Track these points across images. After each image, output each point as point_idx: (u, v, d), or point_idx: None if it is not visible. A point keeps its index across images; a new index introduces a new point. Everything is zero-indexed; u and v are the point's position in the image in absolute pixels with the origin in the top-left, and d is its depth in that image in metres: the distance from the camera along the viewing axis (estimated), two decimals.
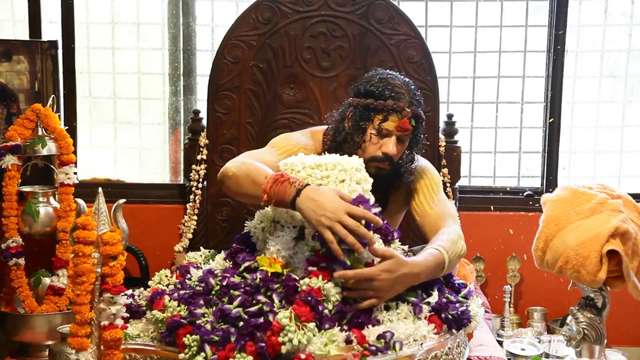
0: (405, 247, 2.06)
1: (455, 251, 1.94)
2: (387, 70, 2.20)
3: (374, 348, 1.59)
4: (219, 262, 1.93)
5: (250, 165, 1.93)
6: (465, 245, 2.02)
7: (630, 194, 2.16)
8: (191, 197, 2.89)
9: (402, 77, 2.18)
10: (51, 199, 2.61)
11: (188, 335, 1.60)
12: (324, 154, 2.00)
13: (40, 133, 2.55)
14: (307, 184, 1.77)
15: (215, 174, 2.80)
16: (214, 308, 1.68)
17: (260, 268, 1.76)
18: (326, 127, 2.30)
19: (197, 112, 2.94)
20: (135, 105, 3.25)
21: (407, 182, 2.23)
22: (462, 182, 2.99)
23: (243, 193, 1.94)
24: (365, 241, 1.70)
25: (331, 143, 2.20)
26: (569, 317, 2.12)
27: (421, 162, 2.30)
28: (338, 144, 2.16)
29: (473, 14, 3.15)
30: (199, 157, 2.87)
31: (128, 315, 1.72)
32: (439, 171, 2.86)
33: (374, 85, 2.11)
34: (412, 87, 2.14)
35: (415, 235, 2.59)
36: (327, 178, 1.87)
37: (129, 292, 1.82)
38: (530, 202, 3.10)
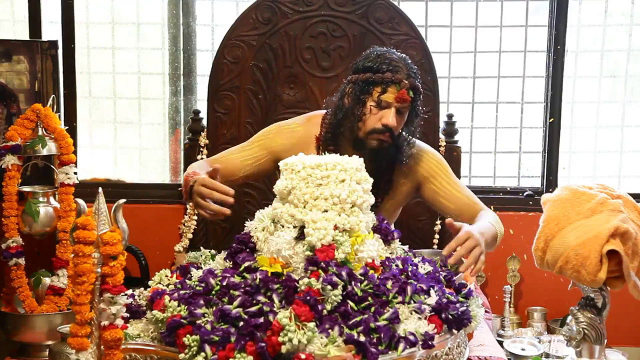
0: (406, 247, 2.07)
1: (501, 230, 2.15)
2: (384, 47, 2.28)
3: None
4: (219, 262, 1.93)
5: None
6: None
7: (630, 194, 2.16)
8: None
9: (399, 53, 2.25)
10: (51, 199, 2.60)
11: (188, 335, 1.60)
12: (322, 135, 2.15)
13: (40, 133, 2.55)
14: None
15: None
16: (214, 308, 1.68)
17: (260, 268, 1.76)
18: (325, 111, 2.34)
19: (197, 112, 2.94)
20: (135, 105, 3.25)
21: (413, 171, 2.29)
22: (462, 182, 2.99)
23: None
24: None
25: (332, 120, 2.25)
26: (569, 317, 2.12)
27: (424, 146, 2.35)
28: (339, 121, 2.21)
29: (473, 14, 3.15)
30: (199, 157, 2.87)
31: (128, 315, 1.72)
32: None
33: (371, 60, 2.18)
34: (409, 61, 2.21)
35: (415, 235, 2.59)
36: (327, 178, 1.87)
37: (129, 292, 1.81)
38: (530, 202, 3.10)
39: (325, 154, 2.00)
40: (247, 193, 2.87)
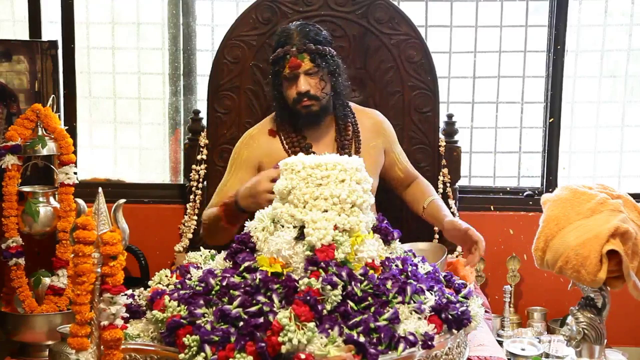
0: (405, 247, 2.07)
1: None
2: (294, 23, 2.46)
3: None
4: (219, 262, 1.93)
5: (207, 214, 2.41)
6: None
7: (630, 194, 2.16)
8: (191, 197, 2.89)
9: (300, 22, 2.44)
10: (51, 199, 2.60)
11: (188, 335, 1.60)
12: (276, 123, 2.45)
13: (40, 133, 2.55)
14: None
15: (216, 174, 2.83)
16: (214, 308, 1.68)
17: (260, 268, 1.76)
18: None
19: (197, 112, 2.94)
20: (135, 105, 3.25)
21: (382, 133, 2.53)
22: (462, 182, 2.99)
23: (216, 233, 2.37)
24: None
25: (274, 108, 2.48)
26: (569, 317, 2.12)
27: (379, 113, 2.60)
28: (275, 106, 2.45)
29: (473, 14, 3.15)
30: (199, 157, 2.87)
31: (128, 315, 1.72)
32: (439, 171, 2.87)
33: (274, 42, 2.41)
34: (307, 27, 2.37)
35: (414, 236, 2.59)
36: (327, 178, 1.87)
37: (129, 292, 1.82)
38: (530, 202, 3.10)
39: (282, 135, 2.41)
40: None
